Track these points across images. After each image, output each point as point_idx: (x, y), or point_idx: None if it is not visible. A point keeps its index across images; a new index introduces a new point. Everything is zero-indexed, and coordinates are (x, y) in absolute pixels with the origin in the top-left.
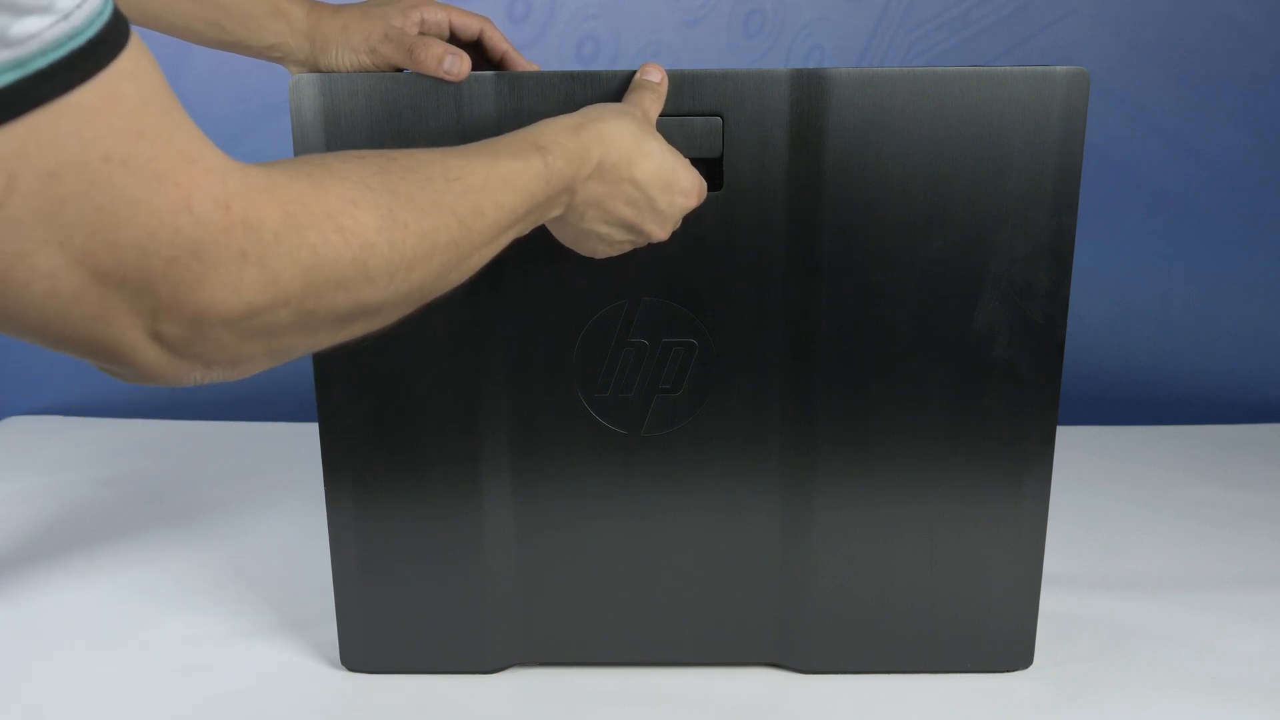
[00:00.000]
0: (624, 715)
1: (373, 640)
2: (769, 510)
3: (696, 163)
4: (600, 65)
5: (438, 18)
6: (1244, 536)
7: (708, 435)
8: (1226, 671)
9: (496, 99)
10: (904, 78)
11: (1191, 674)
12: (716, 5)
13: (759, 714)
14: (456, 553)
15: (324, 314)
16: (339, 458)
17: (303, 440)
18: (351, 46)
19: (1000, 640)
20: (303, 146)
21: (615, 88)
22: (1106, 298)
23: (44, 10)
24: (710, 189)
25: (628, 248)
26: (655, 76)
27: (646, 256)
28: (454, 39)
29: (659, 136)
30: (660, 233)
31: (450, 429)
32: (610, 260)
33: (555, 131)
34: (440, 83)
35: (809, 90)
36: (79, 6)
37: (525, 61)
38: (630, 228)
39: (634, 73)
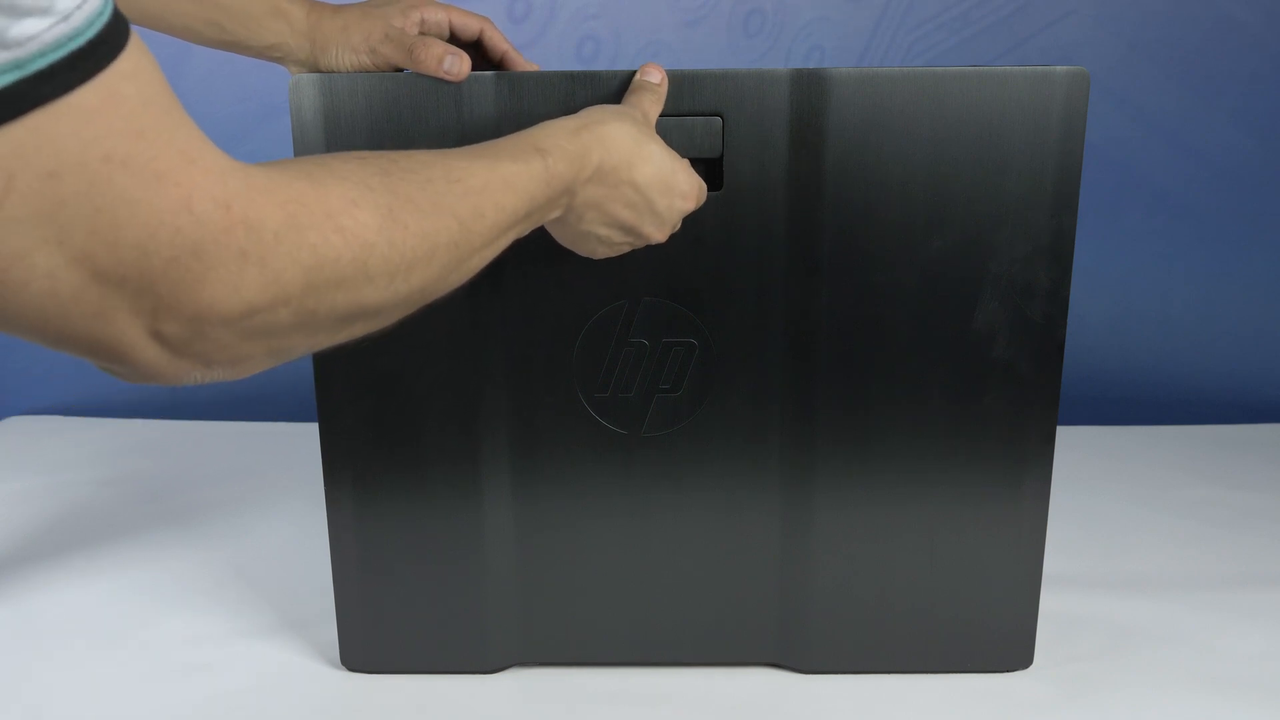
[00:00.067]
0: (624, 715)
1: (373, 640)
2: (769, 510)
3: (696, 163)
4: (600, 65)
5: (438, 18)
6: (1244, 536)
7: (708, 435)
8: (1226, 671)
9: (496, 99)
10: (904, 78)
11: (1191, 674)
12: (716, 5)
13: (759, 714)
14: (456, 553)
15: (324, 314)
16: (339, 458)
17: (303, 440)
18: (351, 46)
19: (1000, 640)
20: (303, 146)
21: (615, 88)
22: (1106, 298)
23: (44, 12)
24: (710, 189)
25: (626, 249)
26: (655, 77)
27: (646, 256)
28: (454, 39)
29: (659, 139)
30: (658, 235)
31: (450, 429)
32: (610, 260)
33: (556, 134)
34: (440, 83)
35: (809, 90)
36: (79, 7)
37: (525, 61)
38: (629, 230)
39: (634, 73)
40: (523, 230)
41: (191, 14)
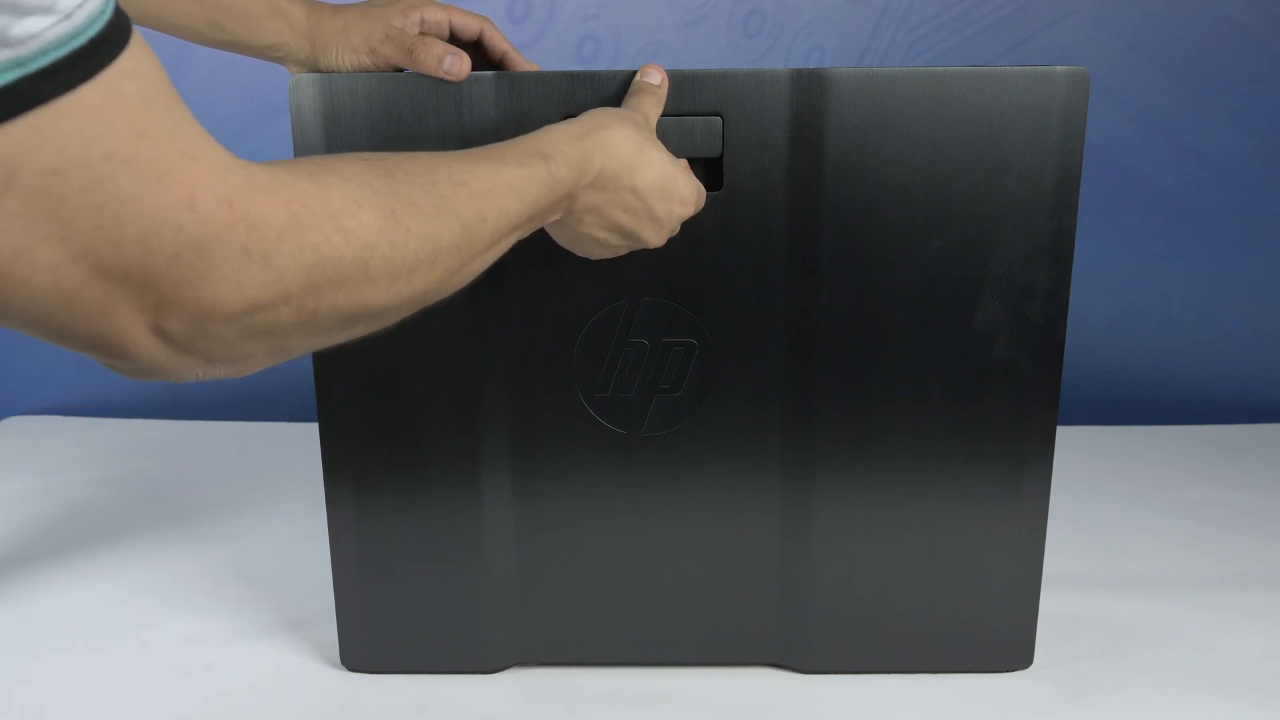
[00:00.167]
0: (624, 715)
1: (373, 640)
2: (769, 510)
3: (696, 162)
4: (600, 65)
5: (438, 18)
6: (1244, 536)
7: (708, 435)
8: (1226, 671)
9: (496, 99)
10: (904, 78)
11: (1191, 674)
12: (716, 5)
13: (759, 714)
14: (456, 553)
15: (326, 313)
16: (339, 458)
17: (303, 440)
18: (351, 46)
19: (1000, 640)
20: (303, 146)
21: (615, 88)
22: (1106, 298)
23: (46, 10)
24: (710, 189)
25: (624, 252)
26: (655, 79)
27: (646, 257)
28: (454, 39)
29: (660, 144)
30: (657, 240)
31: (450, 429)
32: (610, 261)
33: (560, 139)
34: (440, 83)
35: (809, 90)
36: (80, 6)
37: (525, 61)
38: (627, 234)
39: (634, 73)
40: (524, 233)
41: (191, 14)
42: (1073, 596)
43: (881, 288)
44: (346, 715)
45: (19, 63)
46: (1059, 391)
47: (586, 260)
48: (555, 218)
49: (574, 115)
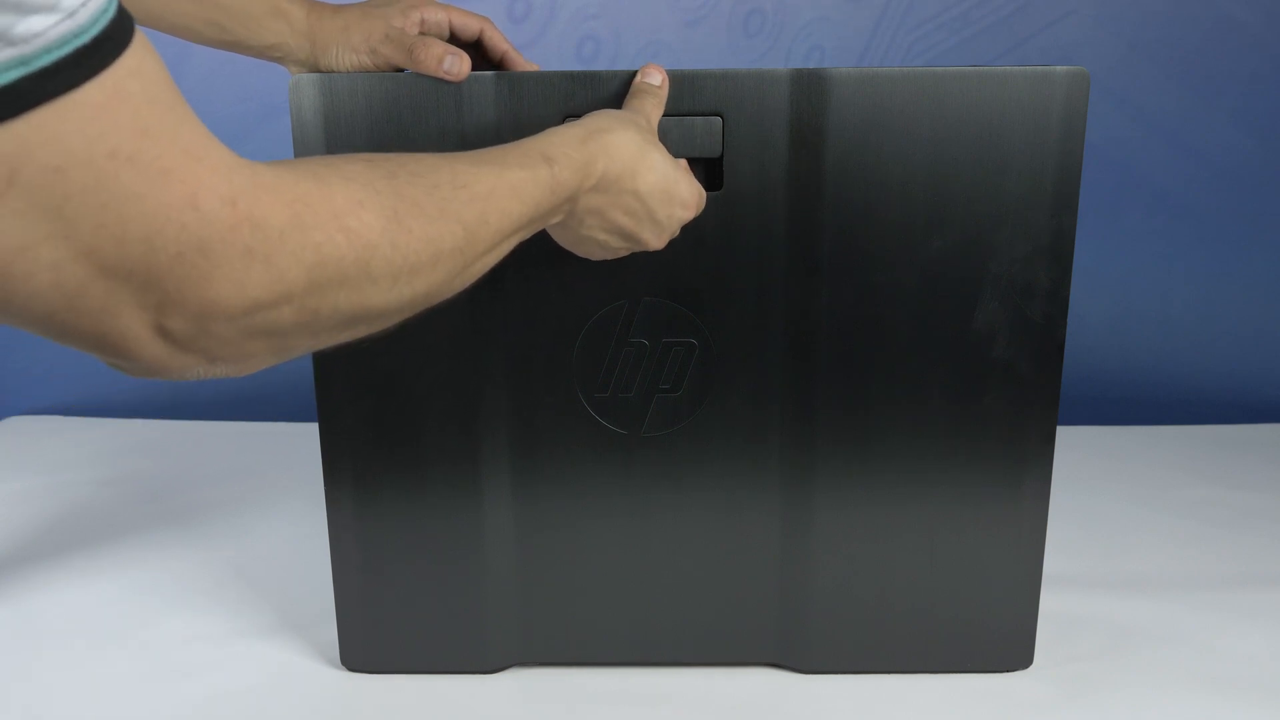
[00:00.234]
0: (624, 715)
1: (373, 640)
2: (769, 510)
3: (696, 162)
4: (600, 65)
5: (438, 18)
6: (1244, 536)
7: (708, 435)
8: (1226, 671)
9: (496, 99)
10: (904, 78)
11: (1191, 674)
12: (716, 5)
13: (759, 714)
14: (456, 553)
15: (327, 313)
16: (339, 458)
17: (303, 440)
18: (352, 46)
19: (1000, 640)
20: (303, 146)
21: (615, 88)
22: (1106, 298)
23: (49, 9)
24: (710, 189)
25: (624, 253)
26: (656, 79)
27: (646, 257)
28: (454, 39)
29: (662, 147)
30: (657, 242)
31: (450, 429)
32: (610, 261)
33: (563, 142)
34: (440, 83)
35: (809, 90)
36: (84, 4)
37: (525, 61)
38: (628, 236)
39: (634, 73)
40: (525, 235)
41: (191, 14)
42: (1073, 596)
43: (881, 288)
44: (346, 715)
45: (22, 61)
46: (1059, 391)
47: (587, 260)
48: (557, 220)
49: (574, 115)
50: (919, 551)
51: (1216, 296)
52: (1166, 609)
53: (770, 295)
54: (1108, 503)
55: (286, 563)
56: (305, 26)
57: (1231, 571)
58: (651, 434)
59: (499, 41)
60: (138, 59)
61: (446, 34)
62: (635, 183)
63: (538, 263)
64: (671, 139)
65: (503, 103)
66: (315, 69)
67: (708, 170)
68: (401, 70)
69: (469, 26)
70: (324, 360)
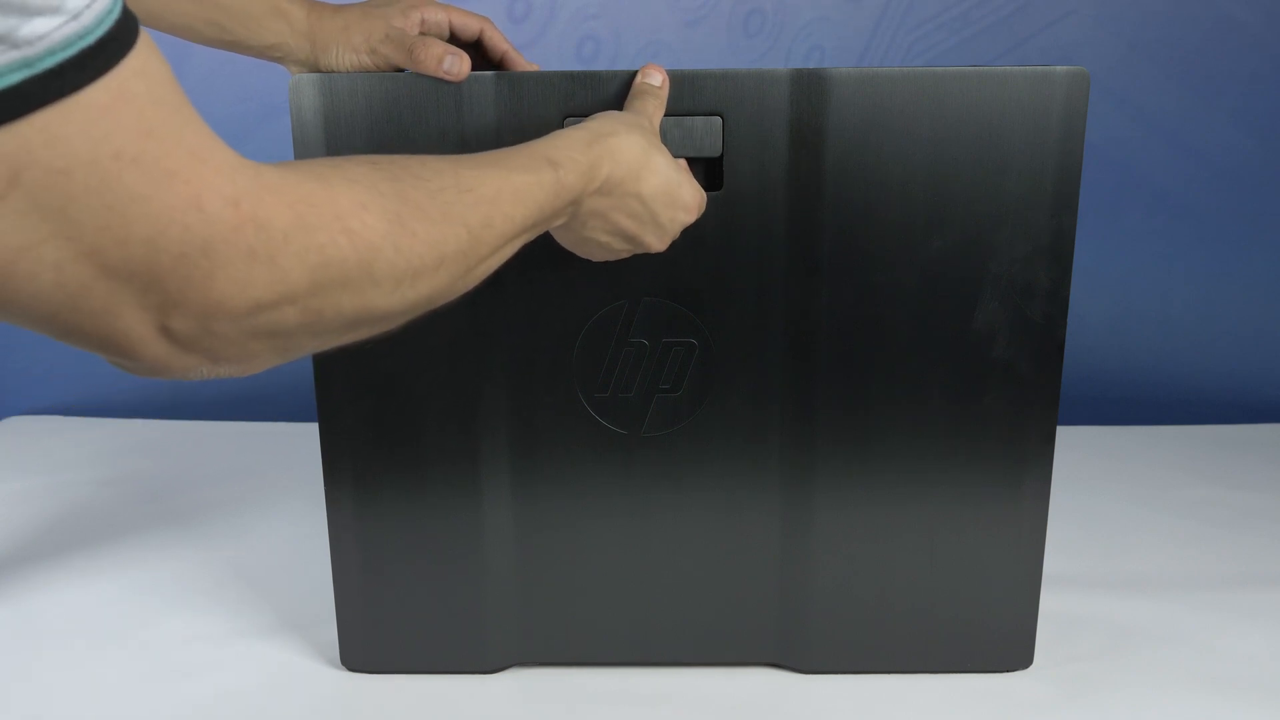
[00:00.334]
0: (624, 715)
1: (373, 640)
2: (769, 510)
3: (696, 162)
4: (600, 65)
5: (438, 18)
6: (1244, 536)
7: (708, 435)
8: (1226, 671)
9: (496, 99)
10: (904, 78)
11: (1191, 674)
12: (716, 5)
13: (759, 714)
14: (456, 553)
15: (330, 315)
16: (339, 458)
17: (303, 440)
18: (352, 46)
19: (1000, 640)
20: (303, 146)
21: (615, 88)
22: (1106, 298)
23: (53, 11)
24: (710, 189)
25: (626, 255)
26: (656, 80)
27: (646, 257)
28: (454, 39)
29: (665, 150)
30: (659, 245)
31: (450, 429)
32: (611, 261)
33: (568, 146)
34: (440, 83)
35: (809, 90)
36: (88, 6)
37: (525, 61)
38: (630, 238)
39: (634, 73)
40: (529, 238)
41: (191, 13)
42: (1073, 596)
43: (881, 288)
44: (346, 715)
45: (26, 63)
46: (1059, 391)
47: (587, 260)
48: (560, 222)
49: (574, 115)
50: (919, 551)
51: (1216, 296)
52: (1166, 609)
53: (770, 295)
54: (1108, 503)
55: (286, 563)
56: (305, 26)
57: (1231, 571)
58: (651, 434)
59: (499, 41)
60: (142, 60)
61: (446, 34)
62: (639, 186)
63: (538, 263)
64: (671, 139)
65: (503, 103)
66: (315, 69)
67: (708, 170)
68: (401, 70)
69: (469, 26)
70: (324, 361)
